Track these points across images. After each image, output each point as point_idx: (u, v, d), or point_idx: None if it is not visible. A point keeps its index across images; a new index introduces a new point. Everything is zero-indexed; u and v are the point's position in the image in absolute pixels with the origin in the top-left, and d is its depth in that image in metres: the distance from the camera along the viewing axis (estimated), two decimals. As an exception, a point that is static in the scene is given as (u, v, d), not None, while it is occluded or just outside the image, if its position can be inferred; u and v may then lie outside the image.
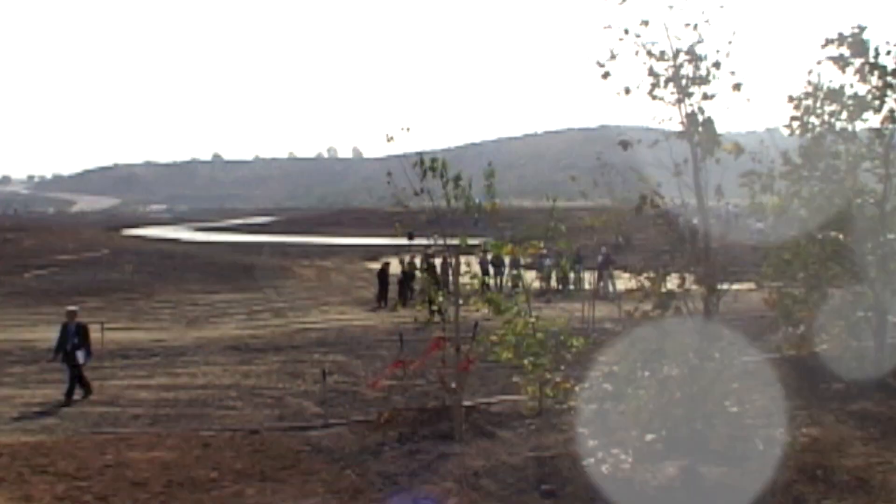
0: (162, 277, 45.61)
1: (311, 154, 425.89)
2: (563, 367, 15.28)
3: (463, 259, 15.58)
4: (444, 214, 14.81)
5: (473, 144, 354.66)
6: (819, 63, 17.44)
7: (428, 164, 14.36)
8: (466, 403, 15.66)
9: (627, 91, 11.34)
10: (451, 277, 16.13)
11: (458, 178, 14.57)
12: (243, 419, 17.02)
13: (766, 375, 17.31)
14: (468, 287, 16.91)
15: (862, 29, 17.14)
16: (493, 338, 16.11)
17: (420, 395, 18.38)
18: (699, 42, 11.30)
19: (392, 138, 14.50)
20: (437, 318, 15.96)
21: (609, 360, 11.24)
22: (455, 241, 15.24)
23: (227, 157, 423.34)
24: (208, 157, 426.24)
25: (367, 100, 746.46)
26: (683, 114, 11.24)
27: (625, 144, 11.15)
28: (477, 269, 32.91)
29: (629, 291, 11.68)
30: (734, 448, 11.33)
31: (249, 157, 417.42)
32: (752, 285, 15.40)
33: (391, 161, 14.74)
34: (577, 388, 11.97)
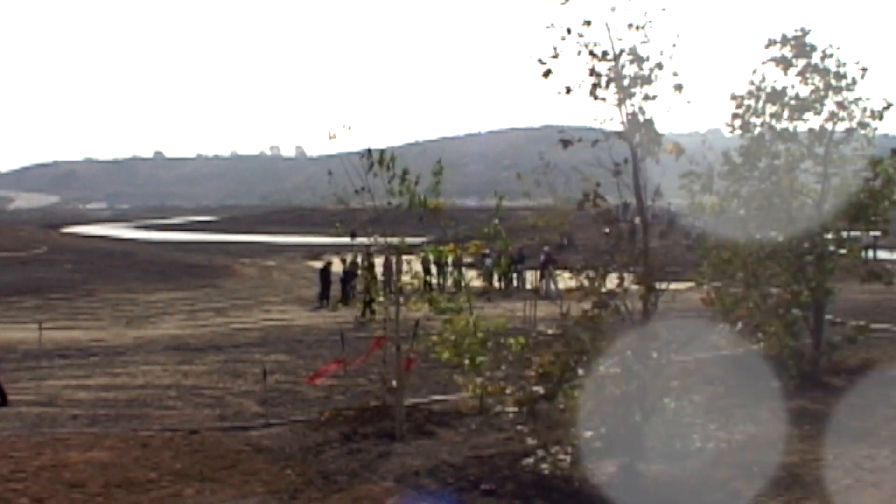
0: (102, 276, 45.22)
1: (254, 152, 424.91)
2: (503, 367, 15.31)
3: (406, 258, 15.58)
4: (386, 213, 14.79)
5: (416, 144, 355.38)
6: (762, 64, 17.65)
7: (376, 157, 14.31)
8: (408, 402, 15.65)
9: (569, 90, 11.36)
10: (393, 276, 16.13)
11: (405, 173, 14.53)
12: (183, 419, 16.88)
13: (704, 374, 17.49)
14: (410, 286, 16.93)
15: (805, 31, 17.37)
16: (434, 337, 16.12)
17: (362, 394, 18.36)
18: (642, 43, 11.34)
19: (334, 136, 14.43)
20: (377, 316, 15.96)
21: (547, 359, 11.25)
22: (396, 240, 15.25)
23: (168, 154, 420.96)
24: (150, 155, 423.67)
25: (310, 98, 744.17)
26: (624, 114, 11.28)
27: (565, 142, 11.18)
28: (419, 268, 32.99)
29: (569, 291, 11.70)
30: (673, 445, 11.40)
31: (191, 155, 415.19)
32: (691, 284, 15.53)
33: (335, 160, 14.70)
34: (516, 387, 11.97)
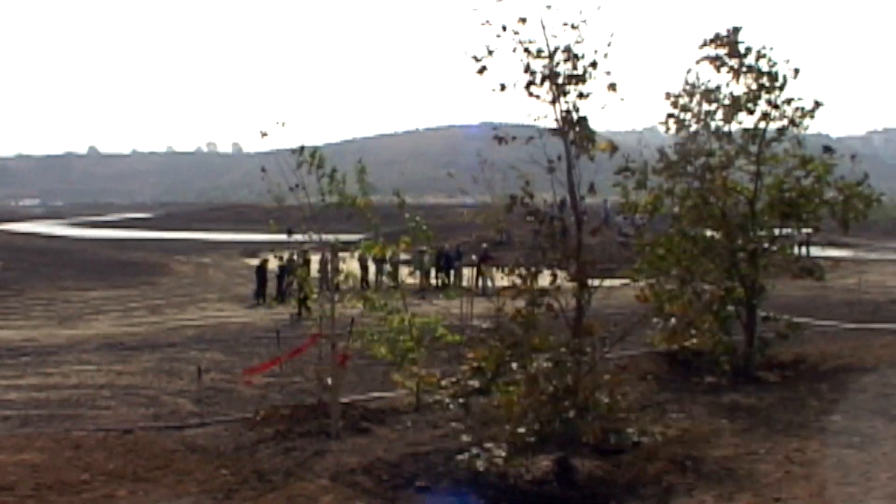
0: (34, 274, 44.61)
1: (191, 148, 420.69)
2: (437, 364, 15.35)
3: (344, 255, 15.55)
4: (321, 211, 14.76)
5: (353, 141, 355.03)
6: (697, 63, 17.85)
7: (304, 157, 14.28)
8: (344, 400, 15.60)
9: (503, 87, 11.39)
10: (329, 274, 16.09)
11: (333, 172, 14.51)
12: (117, 419, 16.67)
13: (638, 369, 17.65)
14: (346, 284, 16.91)
15: (737, 30, 17.60)
16: (370, 334, 16.11)
17: (298, 392, 18.29)
18: (577, 41, 11.39)
19: (266, 133, 14.38)
20: (312, 314, 15.91)
21: (482, 354, 11.27)
22: (334, 238, 15.22)
23: (103, 150, 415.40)
24: (84, 151, 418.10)
25: (247, 94, 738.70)
26: (559, 111, 11.32)
27: (499, 139, 11.21)
28: (356, 265, 32.84)
29: (503, 288, 11.73)
30: (607, 441, 11.48)
31: (127, 151, 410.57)
32: (626, 281, 15.66)
33: (272, 156, 14.64)
34: (450, 384, 11.97)
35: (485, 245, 42.96)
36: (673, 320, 16.03)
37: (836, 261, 50.61)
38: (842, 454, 11.05)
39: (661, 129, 18.24)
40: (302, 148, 14.38)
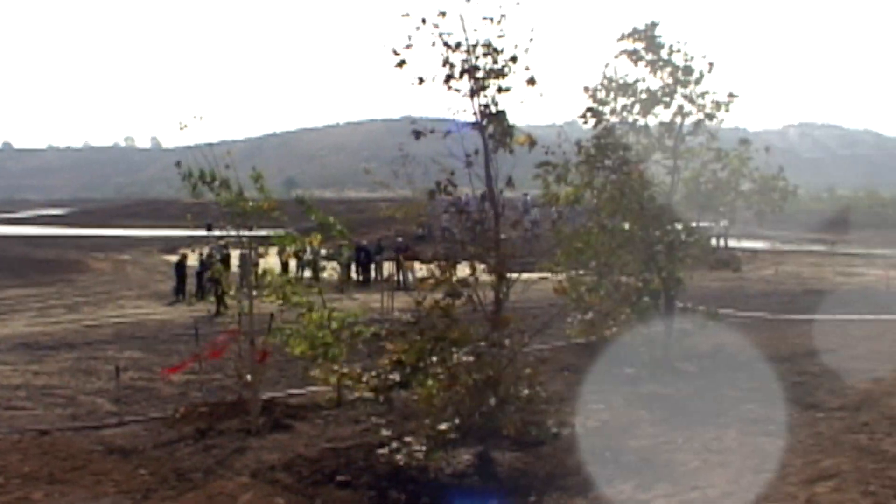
0: (-54, 272, 43.61)
1: (108, 143, 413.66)
2: (357, 358, 15.30)
3: (265, 250, 15.45)
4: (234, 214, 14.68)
5: (274, 135, 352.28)
6: (615, 57, 17.99)
7: (196, 175, 14.15)
8: (265, 396, 15.51)
9: (421, 81, 11.38)
10: (248, 269, 15.97)
11: (226, 183, 14.39)
12: (33, 420, 16.31)
13: (559, 361, 17.78)
14: (267, 279, 16.79)
15: (654, 25, 17.78)
16: (289, 330, 16.00)
17: (218, 389, 18.10)
18: (497, 36, 11.41)
19: (185, 126, 14.20)
20: (231, 310, 15.77)
21: (399, 349, 11.25)
22: (253, 233, 15.12)
23: (17, 145, 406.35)
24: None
25: (166, 88, 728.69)
26: (477, 105, 11.34)
27: (417, 133, 11.19)
28: (276, 260, 32.62)
29: (421, 281, 11.73)
30: (527, 433, 11.53)
31: (42, 146, 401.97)
32: (546, 274, 15.74)
33: (191, 151, 14.47)
34: (370, 379, 11.93)
35: (400, 238, 43.00)
36: (590, 312, 16.17)
37: (754, 252, 51.70)
38: (758, 442, 11.23)
39: (581, 122, 18.35)
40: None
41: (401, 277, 40.31)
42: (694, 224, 18.44)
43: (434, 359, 11.05)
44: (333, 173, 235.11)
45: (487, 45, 11.31)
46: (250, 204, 14.77)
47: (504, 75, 11.35)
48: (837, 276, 42.22)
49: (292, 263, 36.71)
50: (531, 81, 11.34)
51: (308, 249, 17.32)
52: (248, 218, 14.84)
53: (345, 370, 14.45)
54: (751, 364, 17.22)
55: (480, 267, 11.37)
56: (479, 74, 11.32)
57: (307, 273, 34.97)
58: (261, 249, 17.26)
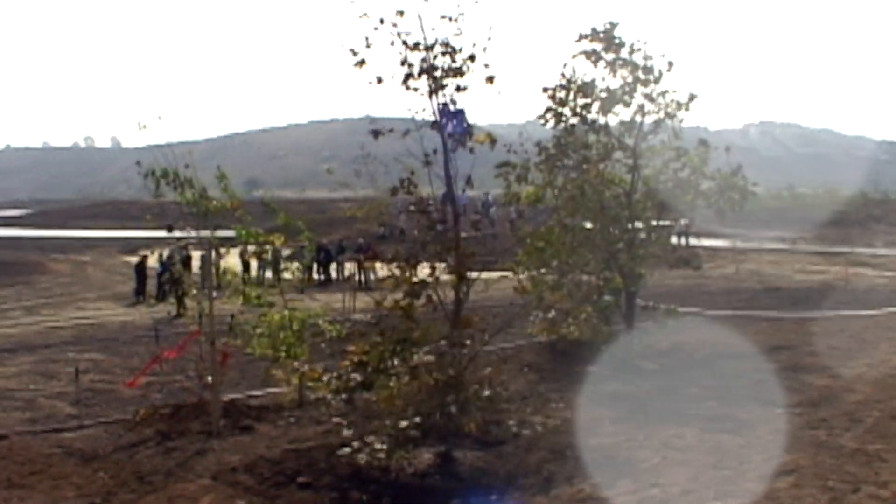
0: None
1: (67, 143, 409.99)
2: (321, 359, 15.26)
3: (227, 251, 15.38)
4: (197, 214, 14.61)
5: (238, 134, 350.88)
6: (574, 57, 18.05)
7: (159, 174, 14.10)
8: (226, 398, 15.42)
9: (380, 80, 11.36)
10: (210, 270, 15.87)
11: (190, 183, 14.33)
12: (-9, 424, 16.17)
13: (521, 360, 17.83)
14: (228, 280, 16.72)
15: (613, 25, 17.87)
16: (251, 331, 15.93)
17: (179, 391, 17.98)
18: (455, 34, 11.41)
19: (144, 127, 14.12)
20: (191, 311, 15.66)
21: (360, 350, 11.22)
22: (215, 234, 15.06)
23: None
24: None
25: (127, 87, 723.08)
26: (436, 105, 11.33)
27: (376, 133, 11.18)
28: (237, 261, 32.45)
29: (381, 280, 11.72)
30: (488, 432, 11.54)
31: (0, 147, 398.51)
32: (507, 273, 15.78)
33: (151, 152, 14.39)
34: (331, 379, 11.89)
35: (361, 239, 42.97)
36: (551, 311, 16.23)
37: (715, 250, 52.06)
38: (717, 439, 11.31)
39: (541, 123, 18.40)
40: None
41: (362, 277, 40.33)
42: (654, 223, 18.55)
43: (395, 359, 11.04)
44: (295, 173, 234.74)
45: (445, 44, 11.31)
46: (214, 203, 14.72)
47: (462, 74, 11.35)
48: (798, 274, 42.59)
49: (254, 263, 36.61)
50: (489, 80, 11.35)
51: (269, 249, 17.19)
52: (211, 218, 14.78)
53: (305, 370, 14.42)
54: (711, 361, 17.34)
55: (440, 266, 11.37)
56: (438, 74, 11.31)
57: (268, 274, 34.91)
58: (222, 250, 17.15)
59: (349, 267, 42.34)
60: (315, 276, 42.13)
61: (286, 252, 17.22)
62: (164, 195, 14.65)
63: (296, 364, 15.27)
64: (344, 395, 11.46)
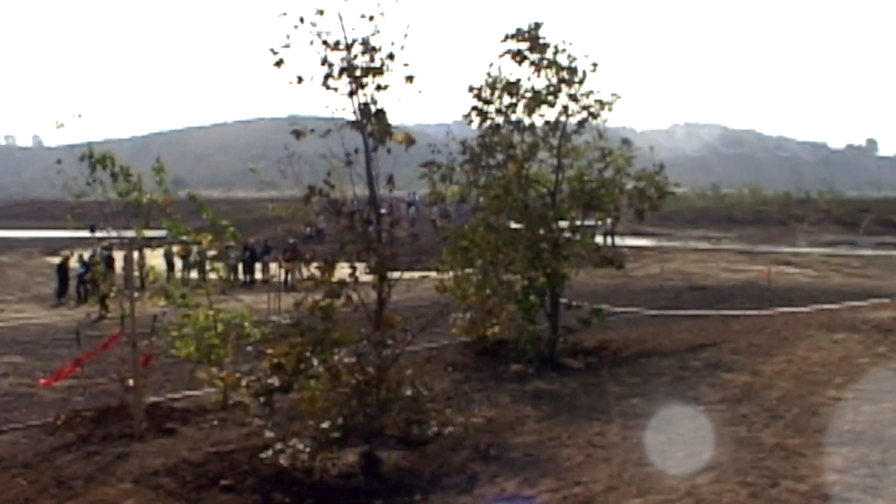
0: None
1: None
2: (244, 360, 15.15)
3: (151, 252, 15.19)
4: (126, 207, 14.43)
5: (161, 133, 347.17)
6: (499, 57, 18.11)
7: (97, 158, 13.92)
8: (150, 400, 15.25)
9: (300, 80, 11.29)
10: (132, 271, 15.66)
11: (126, 172, 14.17)
12: None
13: (446, 360, 17.84)
14: (151, 280, 16.53)
15: (538, 26, 17.93)
16: (175, 332, 15.77)
17: (101, 394, 17.76)
18: (375, 33, 11.38)
19: (63, 125, 13.92)
20: (114, 313, 15.47)
21: (282, 350, 11.14)
22: (134, 234, 14.88)
23: None
24: None
25: (50, 85, 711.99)
26: (357, 104, 11.30)
27: (297, 133, 11.12)
28: (162, 262, 32.07)
29: (300, 281, 11.66)
30: (411, 432, 11.54)
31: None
32: (427, 273, 15.79)
33: (74, 150, 14.21)
34: (250, 383, 11.80)
35: (292, 240, 42.82)
36: (472, 311, 16.27)
37: (640, 250, 52.61)
38: (640, 436, 11.40)
39: (466, 122, 18.43)
40: (90, 152, 14.00)
41: (288, 278, 40.18)
42: (579, 222, 18.67)
43: (315, 361, 10.98)
44: (221, 173, 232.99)
45: (365, 42, 11.27)
46: (147, 197, 14.58)
47: (382, 73, 11.33)
48: (722, 273, 43.21)
49: (178, 263, 36.31)
50: (409, 79, 11.33)
51: (195, 249, 17.05)
52: (144, 212, 14.63)
53: (222, 375, 14.31)
54: (635, 360, 17.50)
55: (361, 266, 11.33)
56: (358, 73, 11.27)
57: (193, 274, 34.59)
58: (146, 250, 16.99)
59: (274, 267, 42.19)
60: (240, 276, 41.93)
61: (212, 252, 16.99)
62: (87, 194, 14.46)
63: (213, 370, 15.13)
64: (263, 399, 11.36)
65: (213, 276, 18.00)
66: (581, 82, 18.03)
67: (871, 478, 8.51)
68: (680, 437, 11.14)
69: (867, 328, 17.99)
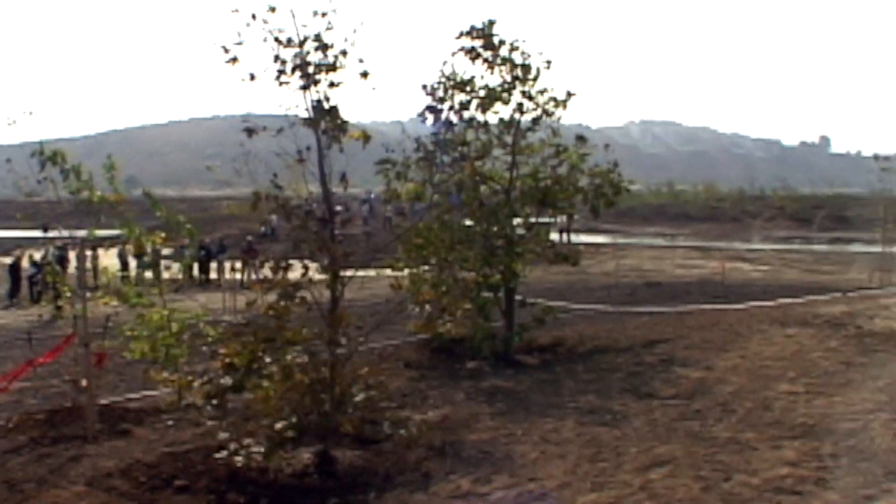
0: None
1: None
2: (199, 360, 15.05)
3: (103, 251, 15.06)
4: (78, 206, 14.29)
5: (115, 131, 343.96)
6: (453, 55, 18.12)
7: (47, 155, 13.77)
8: (103, 401, 15.11)
9: (253, 77, 11.23)
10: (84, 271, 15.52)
11: (77, 170, 14.05)
12: None
13: (401, 358, 17.83)
14: (104, 280, 16.38)
15: (492, 23, 17.97)
16: (128, 332, 15.63)
17: (54, 396, 17.55)
18: (327, 30, 11.33)
19: (14, 122, 13.76)
20: (66, 313, 15.30)
21: (234, 349, 11.08)
22: (86, 234, 14.73)
23: None
24: None
25: (2, 82, 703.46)
26: (309, 101, 11.26)
27: (249, 131, 11.06)
28: (115, 261, 31.82)
29: (253, 282, 11.62)
30: (366, 431, 11.52)
31: None
32: (375, 272, 15.78)
33: (26, 148, 14.05)
34: (201, 384, 11.72)
35: (249, 238, 42.64)
36: (427, 308, 16.26)
37: (596, 246, 52.84)
38: (595, 432, 11.47)
39: (420, 120, 18.42)
40: (41, 149, 13.86)
41: (244, 277, 40.02)
42: (533, 219, 18.73)
43: (268, 360, 10.93)
44: (176, 171, 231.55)
45: (318, 38, 11.23)
46: (98, 194, 14.46)
47: (335, 69, 11.29)
48: (677, 269, 43.51)
49: (133, 263, 36.08)
50: (363, 75, 11.31)
51: (149, 248, 16.89)
52: (95, 210, 14.50)
53: (174, 377, 14.20)
54: (590, 356, 17.60)
55: (313, 266, 11.29)
56: (310, 69, 11.23)
57: (148, 273, 34.37)
58: (100, 249, 16.88)
59: (228, 267, 42.03)
60: (195, 275, 41.70)
61: (167, 251, 16.89)
62: (39, 193, 14.31)
63: (165, 374, 15.01)
64: (215, 401, 11.29)
65: (167, 275, 17.84)
66: (535, 80, 18.09)
67: (822, 470, 8.62)
68: (634, 433, 11.23)
69: (819, 323, 18.22)
